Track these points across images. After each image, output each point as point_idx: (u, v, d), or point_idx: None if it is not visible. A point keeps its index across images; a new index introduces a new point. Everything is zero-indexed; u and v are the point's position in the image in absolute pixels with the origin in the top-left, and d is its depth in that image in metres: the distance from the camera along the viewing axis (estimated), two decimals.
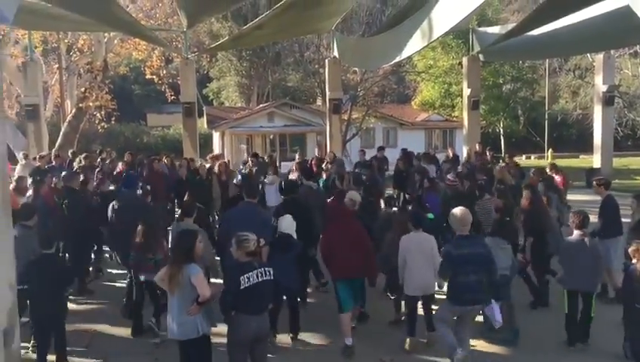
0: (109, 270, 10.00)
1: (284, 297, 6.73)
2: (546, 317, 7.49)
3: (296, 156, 14.99)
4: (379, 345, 6.78)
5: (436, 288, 6.68)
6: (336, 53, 19.27)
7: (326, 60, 20.72)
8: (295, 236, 6.75)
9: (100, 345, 6.90)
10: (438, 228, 8.06)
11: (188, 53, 18.77)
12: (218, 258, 7.55)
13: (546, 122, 37.62)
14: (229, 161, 19.61)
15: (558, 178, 11.12)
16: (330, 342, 6.89)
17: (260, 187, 11.35)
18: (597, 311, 6.67)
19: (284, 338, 6.91)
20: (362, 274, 6.72)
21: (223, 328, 5.10)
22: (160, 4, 22.90)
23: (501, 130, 36.18)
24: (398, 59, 15.85)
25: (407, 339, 6.66)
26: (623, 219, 8.29)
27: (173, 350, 5.35)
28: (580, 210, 6.92)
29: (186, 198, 8.73)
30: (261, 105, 34.69)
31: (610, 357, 6.37)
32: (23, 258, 6.00)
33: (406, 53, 14.31)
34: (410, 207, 8.82)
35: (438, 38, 15.45)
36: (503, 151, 31.95)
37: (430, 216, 7.97)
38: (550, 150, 34.53)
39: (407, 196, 12.76)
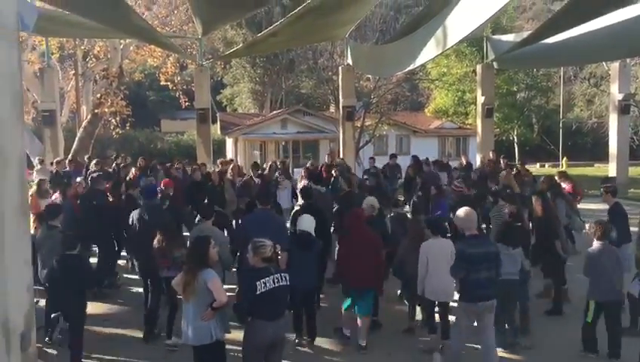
0: (125, 275, 10.07)
1: (302, 298, 6.76)
2: (559, 324, 7.44)
3: (308, 163, 15.25)
4: (392, 349, 6.77)
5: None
6: (349, 61, 19.32)
7: (339, 67, 20.79)
8: (314, 235, 6.83)
9: (113, 350, 6.94)
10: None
11: (202, 59, 18.90)
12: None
13: (561, 130, 37.35)
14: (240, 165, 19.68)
15: (566, 185, 11.00)
16: (343, 348, 6.89)
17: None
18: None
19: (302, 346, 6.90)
20: (373, 284, 6.78)
21: (236, 334, 5.11)
22: (175, 12, 23.11)
23: (515, 138, 35.94)
24: (411, 66, 15.84)
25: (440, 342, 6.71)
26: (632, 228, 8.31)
27: (188, 355, 5.37)
28: (600, 219, 6.88)
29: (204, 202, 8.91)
30: (274, 112, 34.82)
31: None
32: (50, 258, 6.16)
33: (420, 60, 14.28)
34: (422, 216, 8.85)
35: (452, 46, 15.44)
36: (516, 159, 31.75)
37: None
38: (565, 158, 34.28)
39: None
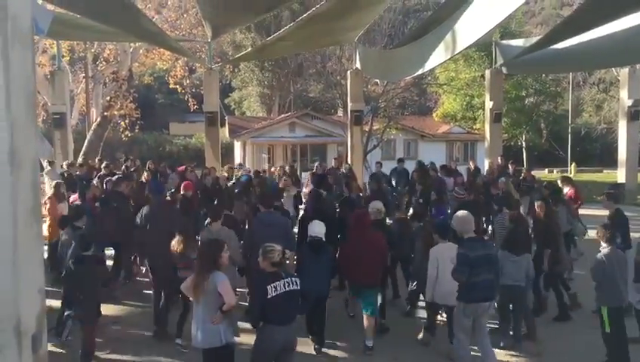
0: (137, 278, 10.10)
1: (314, 303, 6.74)
2: (567, 331, 7.42)
3: (315, 166, 15.29)
4: (399, 353, 6.77)
5: None
6: (358, 65, 19.34)
7: (348, 72, 20.80)
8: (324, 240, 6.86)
9: (123, 350, 6.97)
10: None
11: (211, 63, 18.99)
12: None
13: (569, 136, 37.22)
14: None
15: (568, 190, 10.91)
16: (349, 350, 6.91)
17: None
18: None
19: (307, 348, 6.87)
20: (375, 283, 6.87)
21: (245, 338, 5.13)
22: (185, 15, 23.24)
23: (523, 144, 35.85)
24: (420, 71, 15.85)
25: (422, 332, 6.93)
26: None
27: (197, 358, 5.37)
28: (607, 223, 6.84)
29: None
30: (282, 116, 34.88)
31: None
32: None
33: (428, 65, 14.30)
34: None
35: (461, 52, 15.45)
36: (525, 164, 31.66)
37: None
38: (573, 164, 34.14)
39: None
